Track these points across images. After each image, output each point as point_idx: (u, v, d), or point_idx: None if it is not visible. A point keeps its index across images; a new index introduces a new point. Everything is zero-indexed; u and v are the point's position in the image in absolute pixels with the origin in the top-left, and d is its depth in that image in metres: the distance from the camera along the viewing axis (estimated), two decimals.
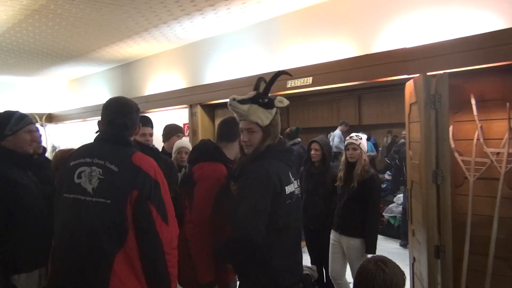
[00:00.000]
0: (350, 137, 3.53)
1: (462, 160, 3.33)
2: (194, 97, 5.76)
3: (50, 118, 9.23)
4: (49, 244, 2.47)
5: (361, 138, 3.49)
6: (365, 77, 3.82)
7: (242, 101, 2.20)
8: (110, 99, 2.10)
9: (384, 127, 8.91)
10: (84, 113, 8.32)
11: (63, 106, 9.34)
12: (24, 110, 2.66)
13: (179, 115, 5.99)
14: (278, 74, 2.29)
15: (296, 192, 2.28)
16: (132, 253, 1.81)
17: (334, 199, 3.61)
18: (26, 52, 6.31)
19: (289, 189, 2.18)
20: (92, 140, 2.03)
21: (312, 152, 3.70)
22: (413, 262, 3.52)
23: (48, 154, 6.12)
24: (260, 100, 2.18)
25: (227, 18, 4.85)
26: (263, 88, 2.28)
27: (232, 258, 2.23)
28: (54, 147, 8.86)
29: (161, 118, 5.82)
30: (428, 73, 3.12)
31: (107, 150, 1.92)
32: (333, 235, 3.59)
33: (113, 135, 1.96)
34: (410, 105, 3.51)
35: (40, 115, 8.92)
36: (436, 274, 2.96)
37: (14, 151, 2.47)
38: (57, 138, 9.18)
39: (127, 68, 7.41)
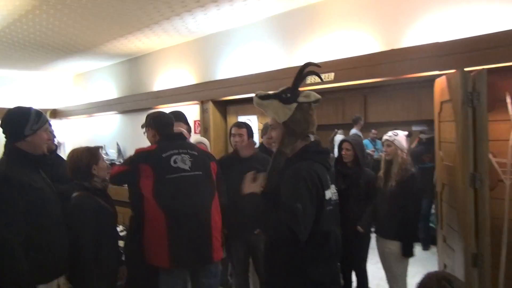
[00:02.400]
0: (386, 134, 3.38)
1: (497, 162, 3.14)
2: (206, 93, 5.56)
3: (55, 113, 9.02)
4: (64, 253, 2.29)
5: (396, 135, 3.32)
6: (392, 73, 3.62)
7: (264, 97, 2.11)
8: (161, 112, 3.04)
9: (390, 125, 8.82)
10: (90, 109, 8.13)
11: (68, 101, 9.15)
12: (28, 105, 2.44)
13: (190, 112, 5.78)
14: (305, 65, 2.13)
15: (334, 197, 2.12)
16: (218, 200, 2.86)
17: (369, 202, 3.45)
18: (32, 45, 6.11)
19: (328, 194, 2.02)
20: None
21: (343, 152, 3.51)
22: (443, 269, 3.34)
23: None
24: (283, 95, 2.05)
25: (243, 10, 4.64)
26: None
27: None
28: (58, 143, 8.66)
29: None
30: (465, 69, 2.93)
31: (181, 144, 2.85)
32: (377, 240, 3.45)
33: (179, 134, 2.95)
34: (441, 103, 3.32)
35: (44, 111, 8.70)
36: (473, 283, 2.77)
37: (27, 153, 2.26)
38: (61, 134, 8.98)
39: (135, 63, 7.20)
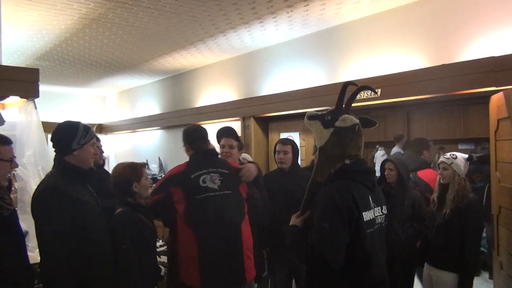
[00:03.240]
0: (444, 155, 3.15)
1: None
2: (248, 110, 5.55)
3: (101, 128, 9.32)
4: (109, 268, 2.28)
5: (455, 157, 3.02)
6: (442, 90, 3.45)
7: (311, 117, 2.01)
8: (194, 126, 2.93)
9: (435, 143, 8.47)
10: (133, 124, 8.34)
11: (113, 117, 9.42)
12: (76, 120, 2.47)
13: None
14: (345, 85, 2.00)
15: (378, 220, 1.97)
16: (248, 219, 2.76)
17: (417, 226, 3.26)
18: (81, 62, 6.35)
19: (368, 215, 1.89)
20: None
21: (386, 172, 3.34)
22: None
23: None
24: (325, 118, 1.95)
25: (286, 26, 4.63)
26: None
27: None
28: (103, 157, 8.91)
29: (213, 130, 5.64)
30: None
31: (212, 162, 2.78)
32: (425, 268, 3.22)
33: (210, 151, 2.85)
34: (498, 120, 3.13)
35: (91, 126, 8.98)
36: None
37: (75, 167, 2.28)
38: (106, 148, 9.25)
39: (177, 79, 7.33)
